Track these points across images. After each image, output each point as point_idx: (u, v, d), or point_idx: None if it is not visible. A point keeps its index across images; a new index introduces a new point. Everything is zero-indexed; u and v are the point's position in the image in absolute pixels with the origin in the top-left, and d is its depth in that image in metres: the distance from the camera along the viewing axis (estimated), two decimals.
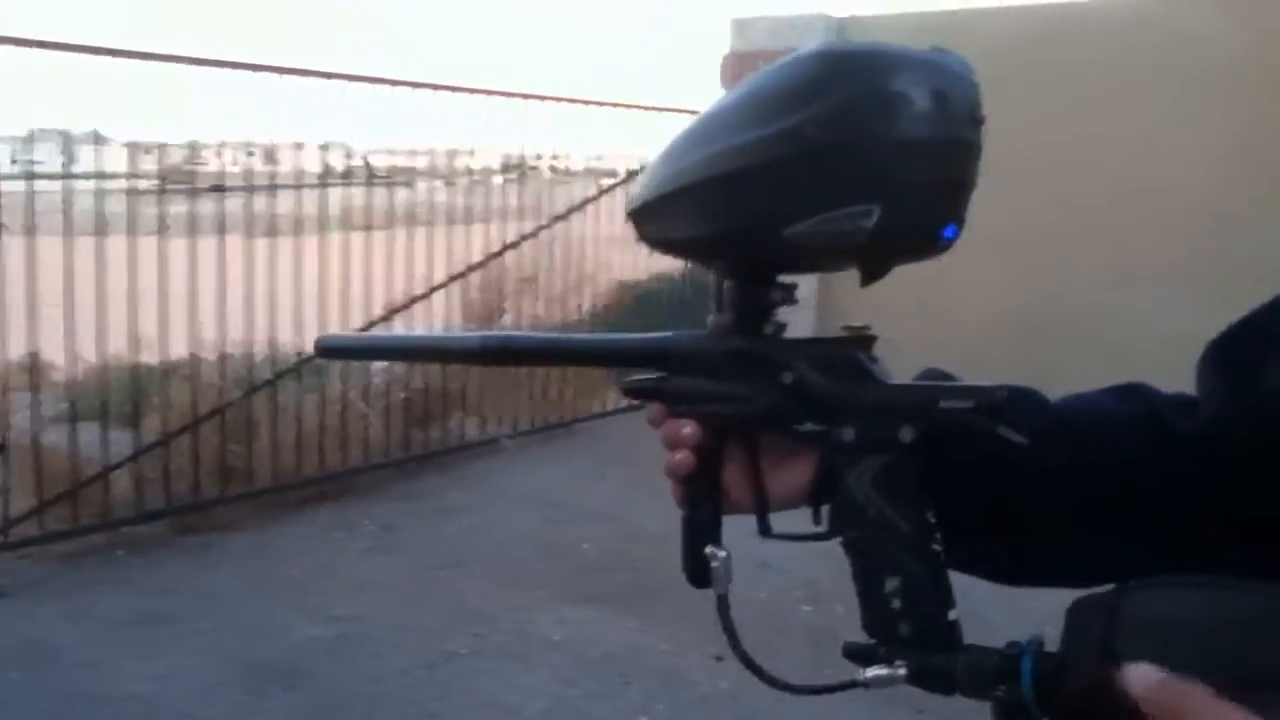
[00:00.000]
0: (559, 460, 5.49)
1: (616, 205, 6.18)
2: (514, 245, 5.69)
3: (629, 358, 0.80)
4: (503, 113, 5.33)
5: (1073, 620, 0.60)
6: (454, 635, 3.48)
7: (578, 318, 6.26)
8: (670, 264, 6.67)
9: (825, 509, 0.74)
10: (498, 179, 6.11)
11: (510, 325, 5.85)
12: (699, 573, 0.76)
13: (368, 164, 5.34)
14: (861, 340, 0.73)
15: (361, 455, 4.94)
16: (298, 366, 4.68)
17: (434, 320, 5.37)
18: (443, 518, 4.61)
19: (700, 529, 0.76)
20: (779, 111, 0.65)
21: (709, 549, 0.75)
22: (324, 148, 5.05)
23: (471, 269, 5.39)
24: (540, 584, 3.91)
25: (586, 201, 5.97)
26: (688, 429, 0.75)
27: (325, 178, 5.00)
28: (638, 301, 6.98)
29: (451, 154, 5.50)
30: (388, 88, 4.82)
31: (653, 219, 0.73)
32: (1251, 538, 0.66)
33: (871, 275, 0.69)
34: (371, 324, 4.87)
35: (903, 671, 0.66)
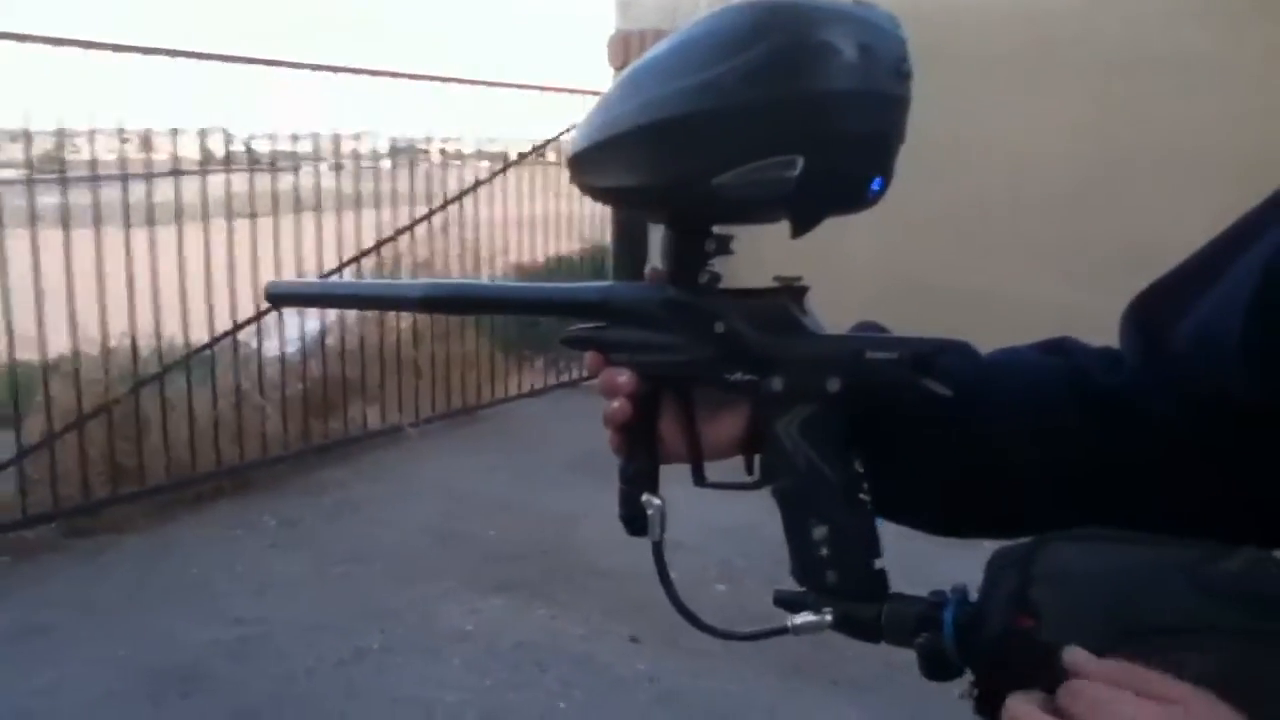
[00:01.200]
0: (464, 448, 5.42)
1: (510, 188, 6.12)
2: (407, 229, 5.58)
3: (570, 307, 0.79)
4: (391, 95, 5.23)
5: (991, 571, 0.61)
6: (362, 631, 3.41)
7: None
8: (569, 245, 6.64)
9: (757, 459, 0.74)
10: (386, 163, 5.99)
11: (404, 314, 5.74)
12: (635, 521, 0.76)
13: (249, 149, 5.17)
14: (793, 291, 0.73)
15: (259, 449, 4.80)
16: (186, 359, 4.51)
17: (329, 311, 5.24)
18: (346, 510, 4.51)
19: (637, 478, 0.76)
20: (705, 62, 0.64)
21: (645, 497, 0.75)
22: (203, 133, 4.88)
23: (364, 254, 5.26)
24: (448, 574, 3.86)
25: (479, 184, 5.88)
26: (623, 378, 0.75)
27: (205, 164, 4.83)
28: (554, 281, 6.92)
29: (337, 138, 5.36)
30: (266, 68, 4.67)
31: (589, 168, 0.73)
32: (1168, 491, 0.67)
33: (801, 226, 0.69)
34: (261, 314, 4.72)
35: (829, 618, 0.67)
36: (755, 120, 0.63)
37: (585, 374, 6.14)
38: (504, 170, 6.08)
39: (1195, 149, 5.46)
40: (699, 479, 0.77)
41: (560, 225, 6.47)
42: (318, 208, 5.08)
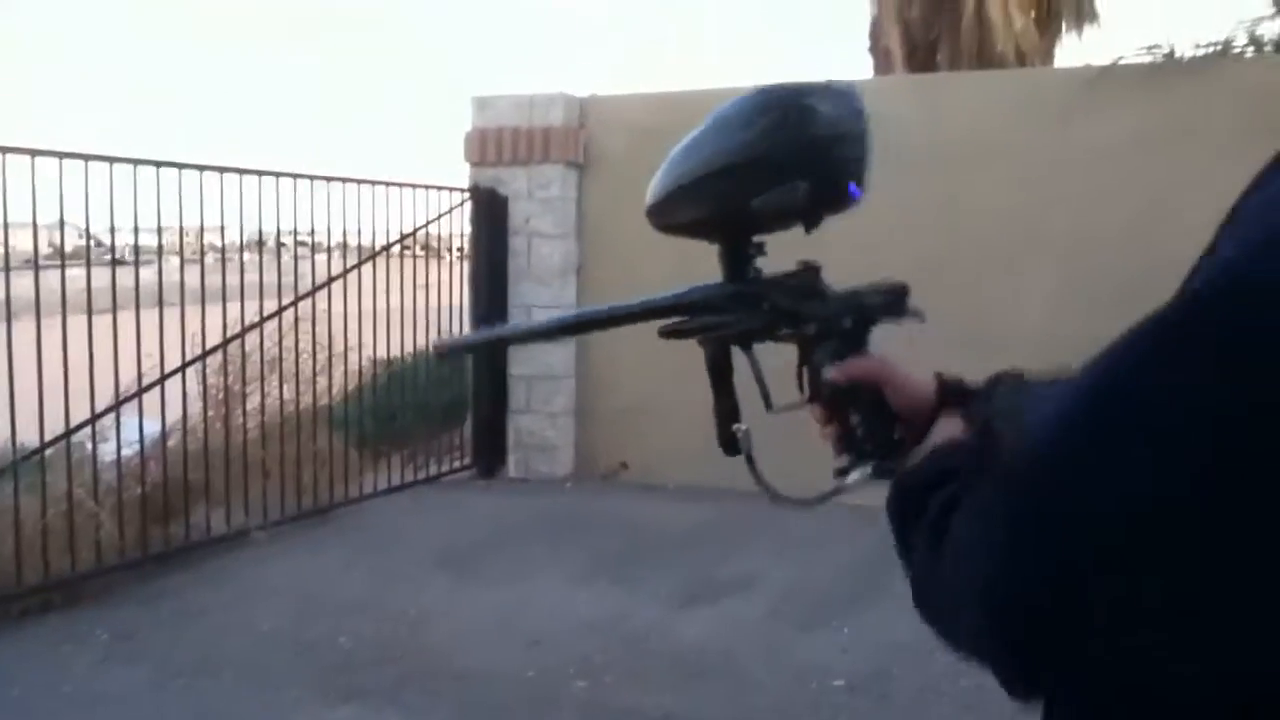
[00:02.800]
0: (314, 550, 5.23)
1: (366, 281, 6.03)
2: (255, 326, 5.43)
3: (661, 311, 1.12)
4: (251, 190, 5.14)
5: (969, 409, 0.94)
6: None
7: (327, 401, 6.04)
8: (424, 338, 6.56)
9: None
10: (246, 255, 5.86)
11: (253, 411, 5.58)
12: (729, 444, 1.07)
13: (99, 243, 5.00)
14: (811, 269, 1.07)
15: (93, 558, 4.53)
16: (14, 464, 4.26)
17: (169, 408, 5.04)
18: (187, 619, 4.29)
19: (727, 413, 1.07)
20: (736, 129, 1.02)
21: (735, 426, 1.06)
22: (53, 227, 4.71)
23: (209, 353, 5.09)
24: (296, 683, 3.69)
25: (332, 279, 5.80)
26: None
27: (56, 259, 4.65)
28: (390, 379, 6.83)
29: (195, 231, 5.23)
30: (128, 166, 4.56)
31: (664, 212, 1.08)
32: None
33: (810, 226, 1.04)
34: (97, 415, 4.51)
35: (870, 471, 0.98)
36: (775, 161, 0.99)
37: (442, 470, 6.02)
38: (361, 264, 6.01)
39: (1028, 233, 5.81)
40: (768, 406, 1.06)
41: (418, 319, 6.40)
42: (171, 302, 4.91)
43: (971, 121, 5.65)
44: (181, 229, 5.10)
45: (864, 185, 1.02)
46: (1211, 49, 5.59)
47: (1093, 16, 12.65)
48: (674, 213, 1.08)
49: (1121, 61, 5.58)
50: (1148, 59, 5.54)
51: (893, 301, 1.04)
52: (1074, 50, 12.72)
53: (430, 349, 1.35)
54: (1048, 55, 11.88)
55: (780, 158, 1.00)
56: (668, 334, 1.13)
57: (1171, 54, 5.50)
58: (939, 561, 0.74)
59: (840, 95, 1.02)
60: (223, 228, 5.27)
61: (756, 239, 1.08)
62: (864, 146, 1.02)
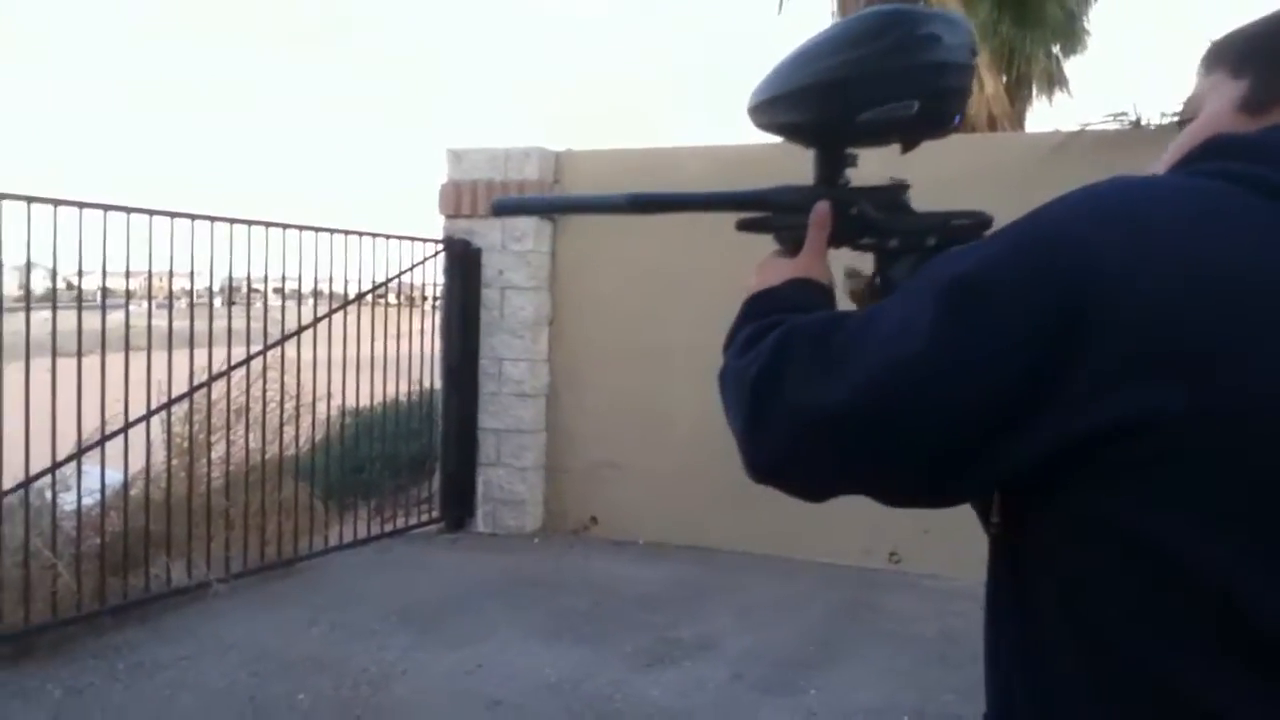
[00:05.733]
0: (277, 603, 5.14)
1: (338, 330, 5.99)
2: (222, 374, 5.38)
3: (745, 203, 1.18)
4: (225, 236, 5.11)
5: None
6: None
7: (294, 451, 5.97)
8: (399, 388, 6.52)
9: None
10: (218, 302, 5.82)
11: (218, 460, 5.50)
12: None
13: (70, 285, 4.96)
14: (899, 186, 1.13)
15: (49, 610, 4.43)
16: None
17: (133, 458, 4.97)
18: (141, 675, 4.19)
19: None
20: (854, 43, 1.07)
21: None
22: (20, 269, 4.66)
23: (174, 401, 5.03)
24: None
25: (302, 328, 5.76)
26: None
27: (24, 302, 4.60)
28: (359, 429, 6.77)
29: (167, 276, 5.18)
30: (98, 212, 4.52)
31: (769, 110, 1.14)
32: None
33: (908, 146, 1.12)
34: (57, 465, 4.44)
35: None
36: (891, 78, 1.05)
37: (410, 524, 5.95)
38: (332, 313, 5.98)
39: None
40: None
41: (390, 367, 6.36)
42: (141, 347, 4.86)
43: (943, 185, 5.70)
44: (151, 274, 5.04)
45: (964, 115, 1.10)
46: (1175, 117, 5.69)
47: (1063, 82, 12.91)
48: (780, 113, 1.13)
49: (1088, 127, 5.67)
50: (1114, 126, 5.63)
51: (976, 226, 1.07)
52: (1044, 116, 12.99)
53: (492, 207, 1.35)
54: (1018, 120, 12.08)
55: (897, 76, 1.05)
56: (746, 226, 1.19)
57: (1137, 121, 5.59)
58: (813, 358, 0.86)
59: (957, 26, 1.07)
60: (193, 273, 5.24)
61: (851, 150, 1.14)
62: (969, 79, 1.09)
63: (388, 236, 6.15)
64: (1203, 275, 0.73)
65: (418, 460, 6.93)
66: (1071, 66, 12.88)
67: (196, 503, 5.13)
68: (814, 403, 0.83)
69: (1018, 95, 11.99)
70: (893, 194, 1.13)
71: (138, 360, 4.86)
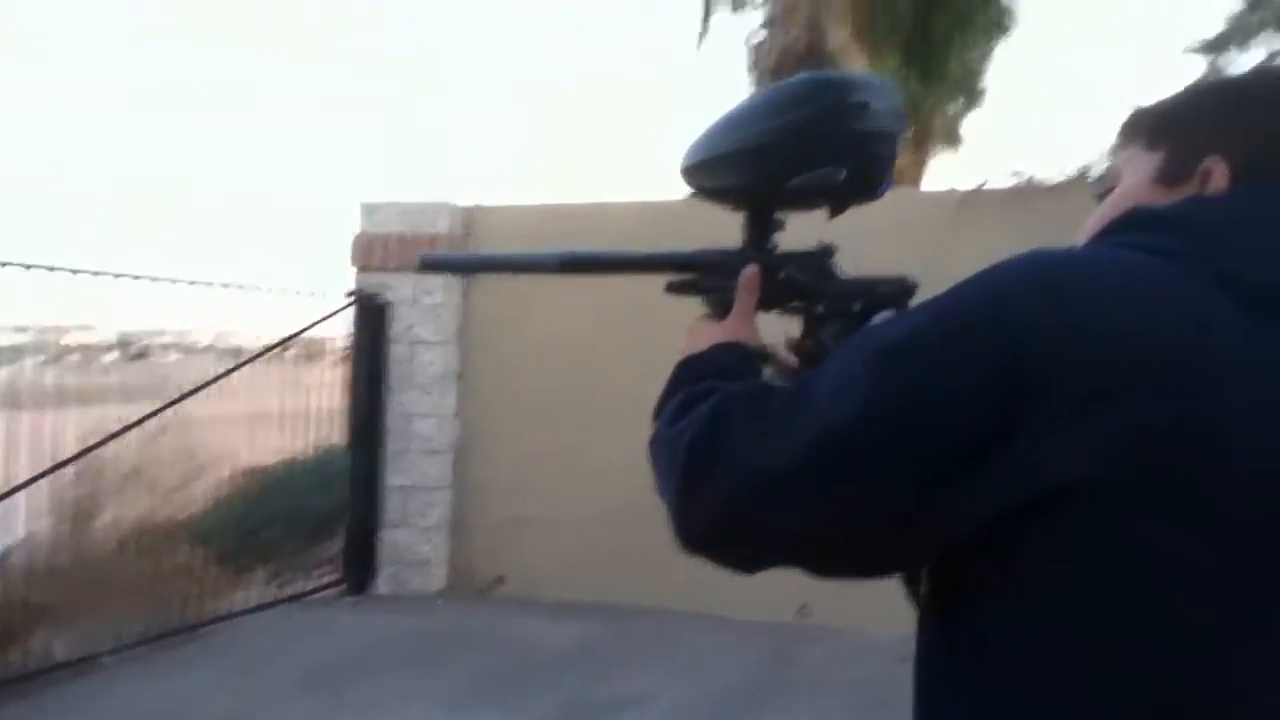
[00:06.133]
0: (170, 674, 4.89)
1: (241, 385, 5.80)
2: (116, 435, 5.15)
3: (673, 265, 1.18)
4: (121, 290, 4.93)
5: None
6: None
7: (194, 512, 5.74)
8: (300, 443, 6.32)
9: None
10: (111, 356, 5.60)
11: (109, 524, 5.25)
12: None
13: None
14: (826, 251, 1.14)
15: None
16: None
17: (18, 524, 4.71)
18: None
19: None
20: (787, 108, 1.08)
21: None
22: None
23: (61, 464, 4.79)
24: None
25: (208, 383, 5.56)
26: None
27: None
28: (265, 487, 6.54)
29: (59, 330, 4.97)
30: None
31: (700, 175, 1.15)
32: None
33: (836, 211, 1.13)
34: None
35: None
36: (820, 145, 1.06)
37: (311, 587, 5.74)
38: (236, 368, 5.79)
39: None
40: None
41: (291, 422, 6.17)
42: (33, 405, 4.63)
43: (850, 239, 5.79)
44: (57, 330, 4.83)
45: (891, 182, 1.11)
46: (1072, 174, 5.88)
47: (959, 139, 13.33)
48: (711, 177, 1.14)
49: (986, 186, 5.83)
50: (1011, 183, 5.80)
51: (899, 292, 1.08)
52: (942, 171, 13.37)
53: (419, 263, 1.32)
54: (918, 175, 12.42)
55: (827, 142, 1.06)
56: (676, 289, 1.18)
57: (1032, 180, 5.77)
58: (724, 427, 0.86)
59: (886, 93, 1.09)
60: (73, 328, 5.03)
61: (780, 215, 1.15)
62: (897, 146, 1.11)
63: (296, 291, 6.01)
64: (1125, 320, 0.77)
65: (320, 520, 6.72)
66: (968, 122, 13.34)
67: (84, 570, 4.87)
68: (756, 465, 0.83)
69: (919, 150, 12.32)
70: (819, 259, 1.14)
71: (27, 419, 4.64)
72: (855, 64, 9.44)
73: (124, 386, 5.48)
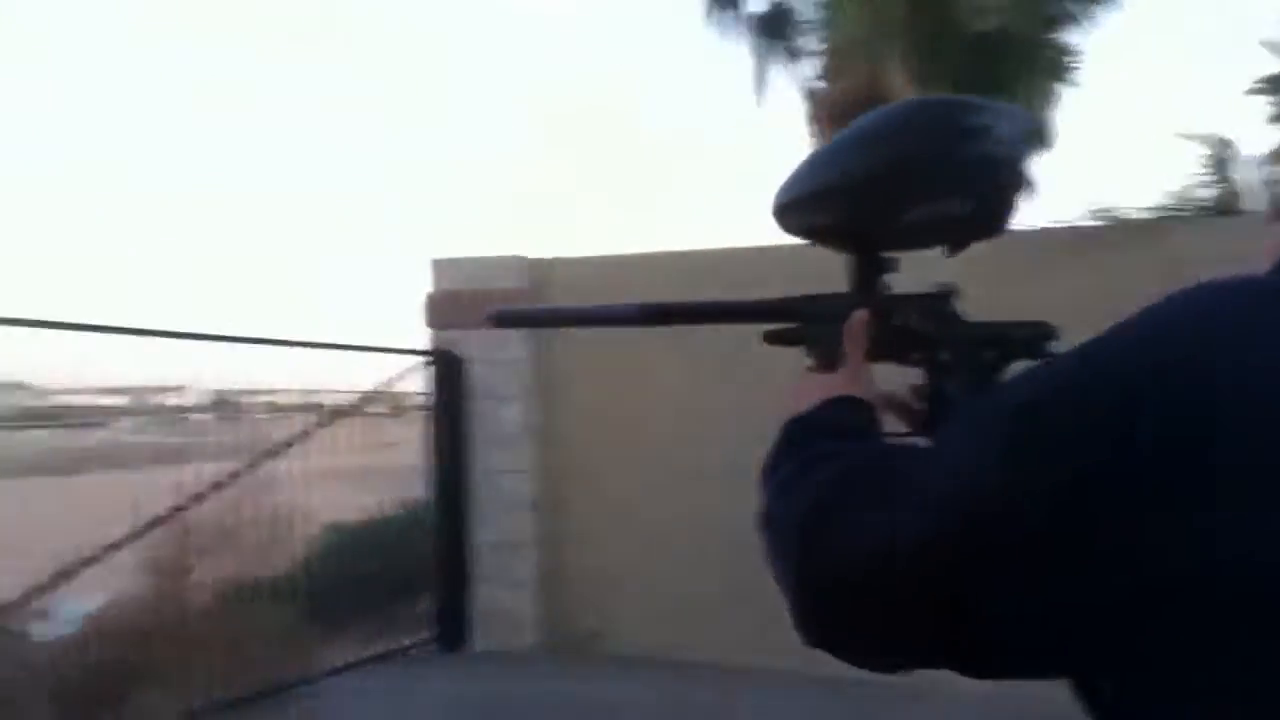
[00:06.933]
0: None
1: (324, 443, 5.89)
2: (201, 497, 5.24)
3: (770, 313, 1.07)
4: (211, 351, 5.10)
5: None
6: None
7: (281, 571, 5.81)
8: (380, 501, 6.38)
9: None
10: (203, 416, 5.75)
11: (197, 584, 5.34)
12: None
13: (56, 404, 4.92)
14: (950, 293, 1.01)
15: None
16: None
17: (110, 585, 4.81)
18: None
19: None
20: (900, 134, 0.97)
21: None
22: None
23: (150, 525, 4.90)
24: None
25: (288, 442, 5.66)
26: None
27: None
28: (354, 544, 6.59)
29: (154, 391, 5.14)
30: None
31: (795, 213, 1.03)
32: None
33: (955, 249, 1.02)
34: (34, 591, 4.29)
35: None
36: (936, 175, 0.95)
37: (404, 645, 5.74)
38: (318, 426, 5.89)
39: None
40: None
41: (377, 479, 6.26)
42: (125, 465, 4.76)
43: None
44: (152, 390, 4.99)
45: (1018, 211, 0.99)
46: (1149, 213, 5.76)
47: (1029, 182, 13.09)
48: (811, 215, 1.03)
49: (1062, 224, 5.73)
50: (1091, 220, 5.68)
51: (1037, 338, 0.97)
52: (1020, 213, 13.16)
53: (492, 319, 1.20)
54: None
55: (944, 172, 0.95)
56: (775, 339, 1.08)
57: (1113, 218, 5.65)
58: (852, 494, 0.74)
59: (1012, 116, 0.98)
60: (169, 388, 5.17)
61: (890, 254, 1.04)
62: (1027, 174, 1.00)
63: (375, 349, 6.12)
64: None
65: (410, 577, 6.75)
66: (1039, 165, 13.11)
67: (175, 631, 4.95)
68: (879, 545, 0.70)
69: None
70: (940, 301, 1.01)
71: (118, 479, 4.76)
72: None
73: (219, 445, 5.59)
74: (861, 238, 1.04)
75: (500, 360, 6.45)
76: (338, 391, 6.04)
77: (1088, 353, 0.68)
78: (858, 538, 0.71)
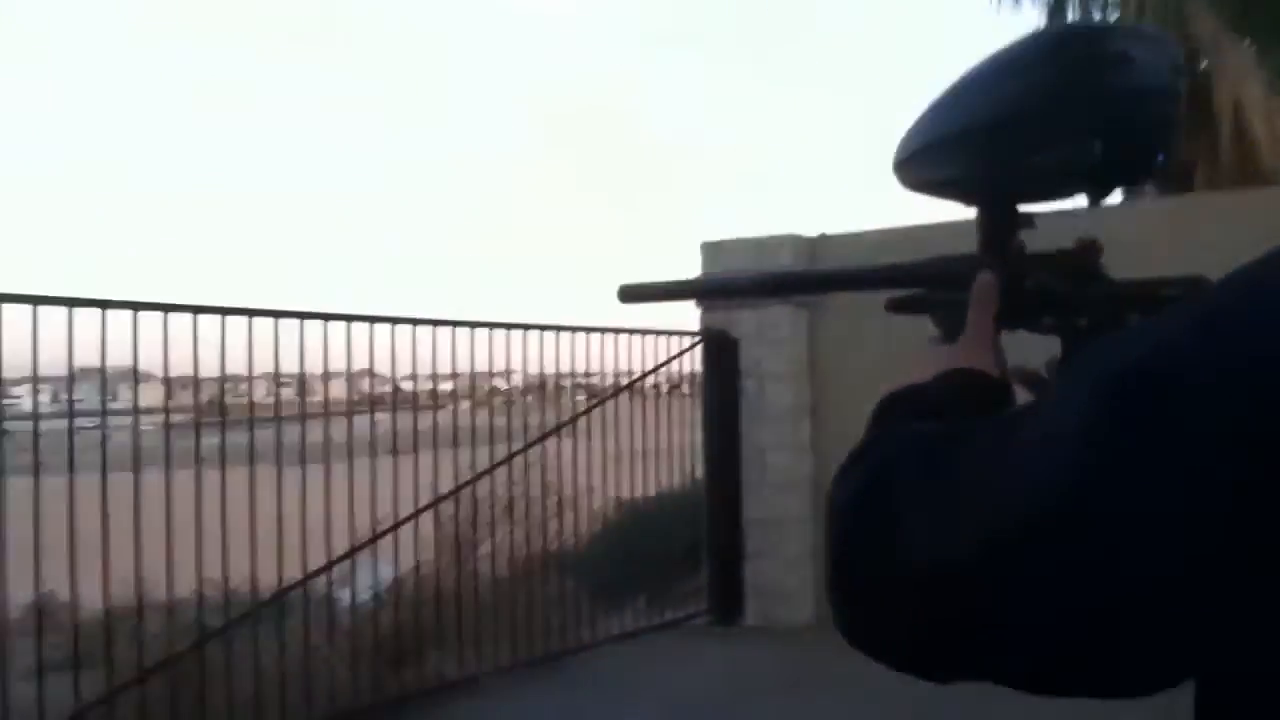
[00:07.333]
0: (542, 699, 5.20)
1: (609, 421, 6.11)
2: (487, 472, 5.60)
3: (893, 279, 0.99)
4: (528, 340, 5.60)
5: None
6: None
7: (565, 545, 6.10)
8: (660, 479, 6.53)
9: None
10: (525, 399, 6.18)
11: (485, 556, 5.71)
12: None
13: (396, 389, 5.49)
14: (1090, 248, 0.89)
15: (328, 703, 4.70)
16: (252, 611, 4.51)
17: (404, 554, 5.22)
18: None
19: None
20: (1026, 69, 0.86)
21: None
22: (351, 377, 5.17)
23: (442, 499, 5.28)
24: None
25: (564, 423, 5.92)
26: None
27: (353, 405, 5.14)
28: (635, 520, 6.83)
29: (483, 376, 5.65)
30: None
31: (917, 168, 0.94)
32: None
33: (1097, 196, 0.90)
34: (332, 562, 4.73)
35: None
36: (1064, 113, 0.84)
37: (678, 616, 5.87)
38: (592, 407, 6.13)
39: None
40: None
41: (656, 458, 6.42)
42: (456, 443, 5.19)
43: (1233, 244, 5.11)
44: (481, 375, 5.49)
45: (1171, 151, 0.87)
46: None
47: None
48: (933, 167, 0.94)
49: None
50: None
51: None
52: None
53: (618, 294, 1.17)
54: None
55: (1073, 109, 0.84)
56: (897, 306, 0.99)
57: None
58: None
59: (1151, 41, 0.87)
60: (500, 373, 5.54)
61: (1025, 208, 0.93)
62: (1174, 105, 0.87)
63: (646, 332, 6.26)
64: None
65: (686, 552, 6.90)
66: None
67: (466, 598, 5.32)
68: (918, 553, 0.57)
69: None
70: (1081, 259, 0.89)
71: (409, 462, 5.16)
72: (1234, 53, 8.34)
73: (503, 428, 5.97)
74: (986, 189, 0.93)
75: (771, 339, 6.42)
76: (622, 374, 6.24)
77: (1215, 320, 0.51)
78: (890, 544, 0.59)
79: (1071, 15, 9.37)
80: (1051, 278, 0.89)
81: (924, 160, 0.93)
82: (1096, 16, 9.41)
